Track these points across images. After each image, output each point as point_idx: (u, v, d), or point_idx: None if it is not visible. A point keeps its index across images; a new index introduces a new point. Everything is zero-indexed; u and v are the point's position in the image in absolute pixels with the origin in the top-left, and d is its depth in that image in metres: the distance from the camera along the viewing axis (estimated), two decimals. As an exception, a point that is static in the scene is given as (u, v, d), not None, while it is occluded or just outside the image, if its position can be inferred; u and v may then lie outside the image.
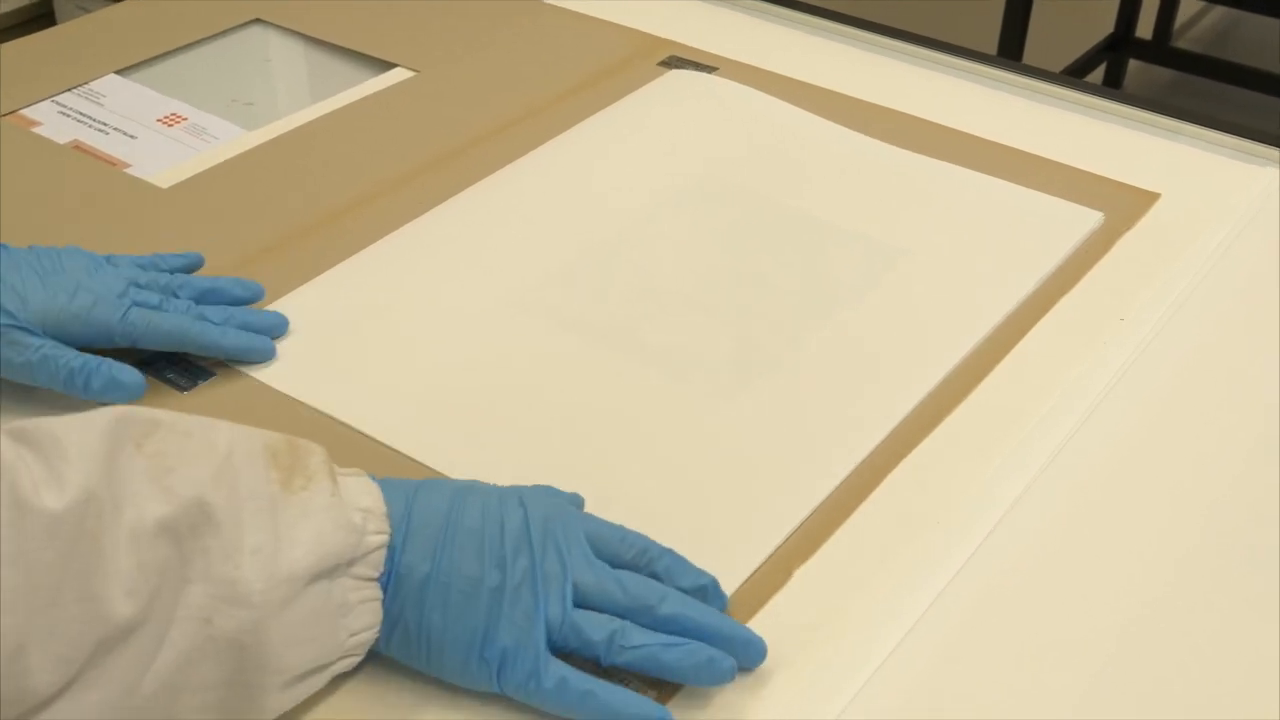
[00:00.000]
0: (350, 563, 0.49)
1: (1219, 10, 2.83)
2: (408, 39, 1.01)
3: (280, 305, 0.73)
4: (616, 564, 0.53)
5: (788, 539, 0.59)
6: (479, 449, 0.64)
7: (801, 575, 0.58)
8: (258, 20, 1.04)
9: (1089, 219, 0.81)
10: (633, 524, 0.60)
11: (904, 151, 0.87)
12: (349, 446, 0.64)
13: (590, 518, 0.55)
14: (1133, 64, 2.55)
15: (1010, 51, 2.09)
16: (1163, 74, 2.56)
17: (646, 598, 0.51)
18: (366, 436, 0.64)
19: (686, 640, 0.51)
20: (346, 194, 0.83)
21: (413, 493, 0.52)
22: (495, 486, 0.54)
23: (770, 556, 0.59)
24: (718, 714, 0.52)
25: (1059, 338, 0.72)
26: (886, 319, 0.73)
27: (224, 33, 1.03)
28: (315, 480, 0.49)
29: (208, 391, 0.67)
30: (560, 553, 0.51)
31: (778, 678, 0.53)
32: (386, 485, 0.52)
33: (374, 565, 0.50)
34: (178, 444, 0.47)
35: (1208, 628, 0.57)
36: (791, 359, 0.70)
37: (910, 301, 0.74)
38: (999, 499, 0.62)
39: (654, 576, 0.53)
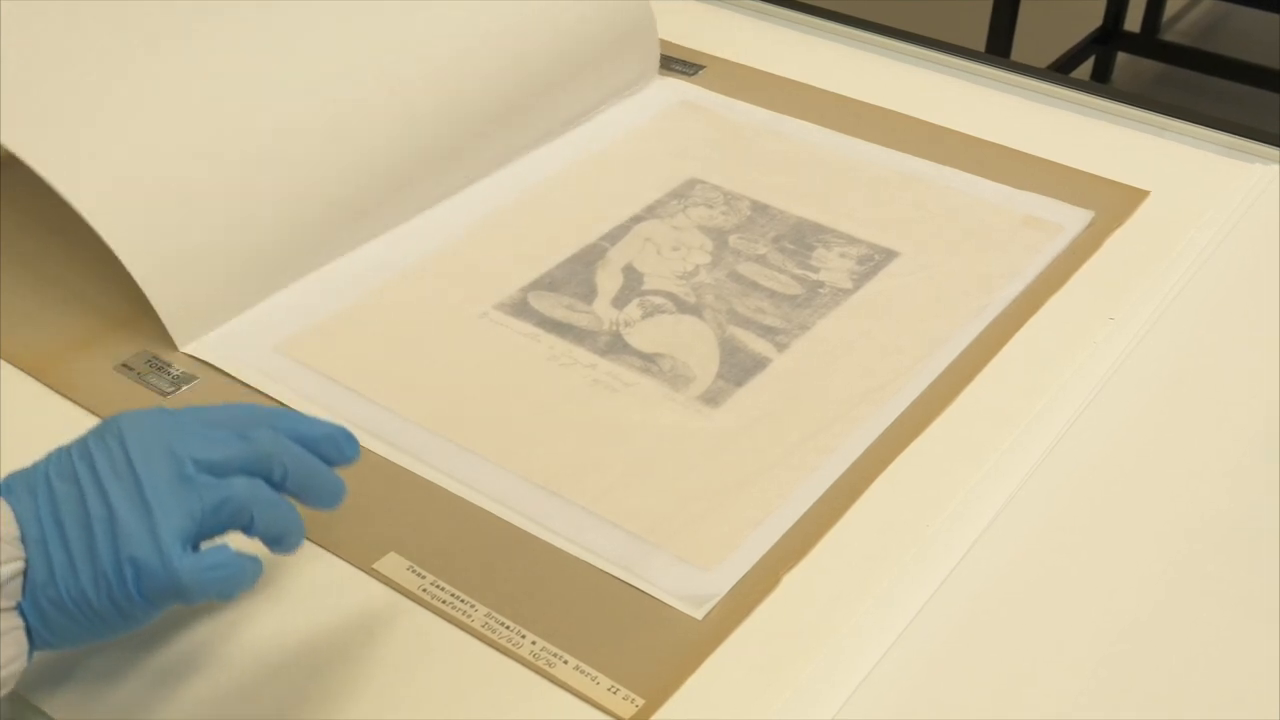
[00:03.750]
0: None
1: (1208, 3, 2.83)
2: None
3: (267, 304, 0.72)
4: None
5: (776, 545, 0.59)
6: (464, 452, 0.63)
7: (790, 581, 0.58)
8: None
9: (1078, 217, 0.80)
10: (618, 530, 0.60)
11: (890, 151, 0.87)
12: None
13: (201, 407, 0.52)
14: (1121, 57, 2.55)
15: (999, 46, 2.09)
16: (1151, 67, 2.56)
17: (266, 441, 0.50)
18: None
19: (325, 470, 0.52)
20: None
21: (7, 486, 0.49)
22: (91, 429, 0.51)
23: (759, 562, 0.58)
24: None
25: (1048, 338, 0.71)
26: (873, 320, 0.72)
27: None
28: None
29: (190, 396, 0.67)
30: (167, 446, 0.48)
31: (768, 685, 0.53)
32: (14, 487, 0.48)
33: (10, 595, 0.46)
34: None
35: (1201, 628, 0.56)
36: (778, 362, 0.70)
37: (897, 303, 0.74)
38: (989, 501, 0.62)
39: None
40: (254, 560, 0.49)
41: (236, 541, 0.49)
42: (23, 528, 0.47)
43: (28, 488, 0.48)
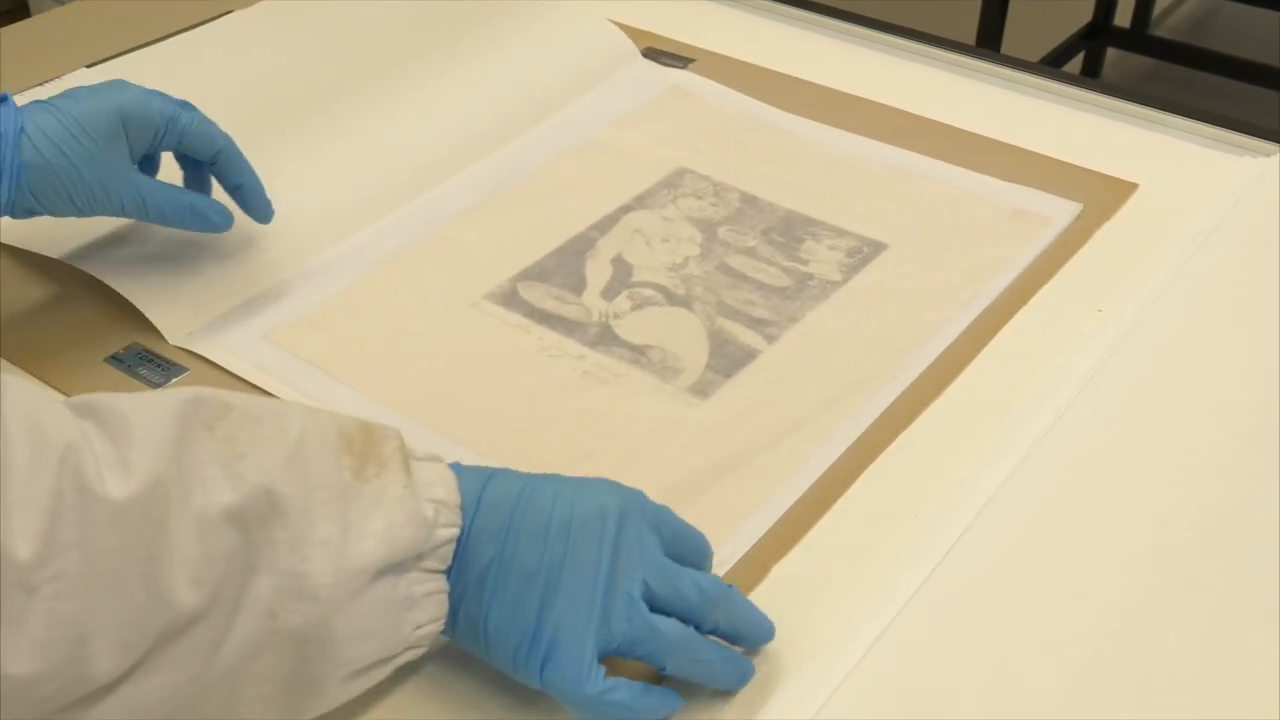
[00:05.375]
0: (419, 556, 0.48)
1: (1197, -2, 2.83)
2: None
3: (258, 295, 0.72)
4: (683, 562, 0.52)
5: (765, 535, 0.59)
6: (452, 444, 0.64)
7: (779, 572, 0.58)
8: (231, 14, 1.03)
9: (1067, 210, 0.80)
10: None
11: (880, 144, 0.87)
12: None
13: (665, 511, 0.52)
14: (1111, 53, 2.55)
15: (989, 40, 2.10)
16: (1141, 62, 2.56)
17: (716, 597, 0.51)
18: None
19: (737, 654, 0.52)
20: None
21: (486, 479, 0.51)
22: (573, 477, 0.52)
23: (748, 553, 0.58)
24: (698, 713, 0.52)
25: (1037, 330, 0.72)
26: (863, 312, 0.72)
27: (198, 25, 1.02)
28: (388, 469, 0.47)
29: (181, 387, 0.66)
30: (631, 549, 0.49)
31: (758, 674, 0.53)
32: (462, 472, 0.51)
33: (442, 559, 0.48)
34: (249, 429, 0.46)
35: (1191, 621, 0.57)
36: (768, 354, 0.70)
37: (887, 294, 0.74)
38: (979, 492, 0.62)
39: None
40: (663, 700, 0.50)
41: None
42: (475, 545, 0.49)
43: (491, 497, 0.50)
